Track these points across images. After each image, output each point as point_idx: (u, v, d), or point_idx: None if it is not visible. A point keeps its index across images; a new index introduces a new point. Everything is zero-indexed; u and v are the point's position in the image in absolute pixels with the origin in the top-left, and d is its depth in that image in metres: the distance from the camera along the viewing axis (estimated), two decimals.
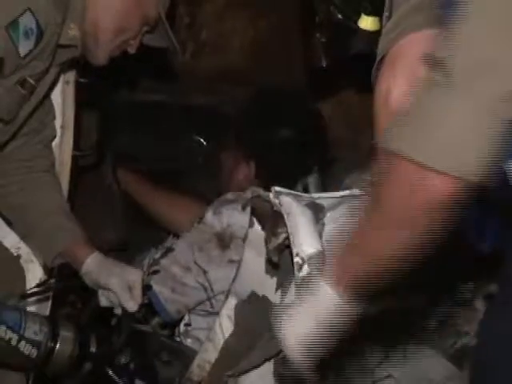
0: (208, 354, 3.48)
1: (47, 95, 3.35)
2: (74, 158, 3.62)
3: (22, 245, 3.53)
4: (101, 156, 4.16)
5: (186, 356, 3.73)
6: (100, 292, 3.32)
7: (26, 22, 2.90)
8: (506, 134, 1.91)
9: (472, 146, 1.90)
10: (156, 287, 3.84)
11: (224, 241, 3.67)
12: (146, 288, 3.69)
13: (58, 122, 3.54)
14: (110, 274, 3.29)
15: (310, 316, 2.29)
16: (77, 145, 3.65)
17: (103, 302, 3.31)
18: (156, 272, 3.86)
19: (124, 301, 3.26)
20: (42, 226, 3.37)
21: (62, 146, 3.55)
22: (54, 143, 3.53)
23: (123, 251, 4.17)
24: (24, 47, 2.92)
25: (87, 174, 4.07)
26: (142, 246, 4.30)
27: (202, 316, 3.83)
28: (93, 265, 3.30)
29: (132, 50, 3.32)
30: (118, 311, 3.30)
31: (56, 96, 3.53)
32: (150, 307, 3.89)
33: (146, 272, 3.86)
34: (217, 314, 3.69)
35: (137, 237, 4.44)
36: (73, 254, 3.32)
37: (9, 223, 3.48)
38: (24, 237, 3.45)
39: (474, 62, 1.84)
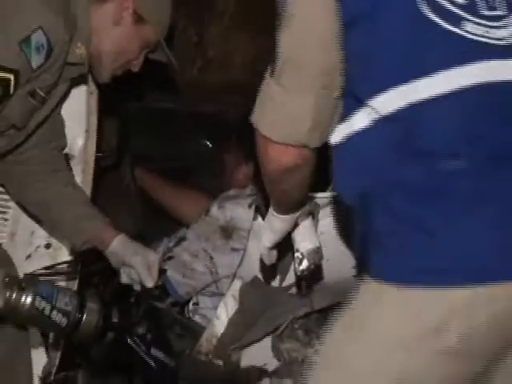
0: (215, 330, 3.55)
1: (58, 107, 3.36)
2: (97, 159, 3.65)
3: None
4: (120, 157, 4.24)
5: (195, 331, 3.81)
6: (121, 270, 3.39)
7: (38, 38, 2.92)
8: (327, 104, 2.24)
9: (300, 119, 2.21)
10: (169, 272, 3.96)
11: (227, 232, 3.77)
12: (162, 272, 3.82)
13: (82, 128, 3.58)
14: (135, 253, 3.35)
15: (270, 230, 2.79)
16: (99, 147, 3.69)
17: (124, 279, 3.38)
18: (170, 258, 3.97)
19: (144, 277, 3.32)
20: (66, 217, 3.40)
21: (87, 149, 3.58)
22: (78, 146, 3.57)
23: (140, 241, 4.22)
24: (35, 61, 2.94)
25: (108, 173, 4.13)
26: (156, 235, 4.33)
27: (209, 296, 3.94)
28: (119, 244, 3.37)
29: (135, 69, 3.34)
30: (138, 288, 3.37)
31: (81, 105, 3.58)
32: (164, 288, 4.04)
33: (161, 258, 4.00)
34: (222, 294, 3.80)
35: (152, 228, 4.53)
36: (99, 237, 3.37)
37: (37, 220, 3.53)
38: (52, 229, 3.50)
39: (282, 62, 2.19)
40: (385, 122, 2.15)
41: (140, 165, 4.59)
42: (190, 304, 3.98)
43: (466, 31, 2.09)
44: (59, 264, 3.52)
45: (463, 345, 2.09)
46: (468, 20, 2.12)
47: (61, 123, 3.44)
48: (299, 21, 2.20)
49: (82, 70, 3.27)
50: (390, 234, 2.17)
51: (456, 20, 2.12)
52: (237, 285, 3.51)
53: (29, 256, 3.49)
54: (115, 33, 3.21)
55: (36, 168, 3.36)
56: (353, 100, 2.23)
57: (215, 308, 3.83)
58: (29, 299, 2.94)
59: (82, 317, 3.04)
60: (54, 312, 2.99)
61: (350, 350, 2.25)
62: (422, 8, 2.12)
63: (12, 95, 2.95)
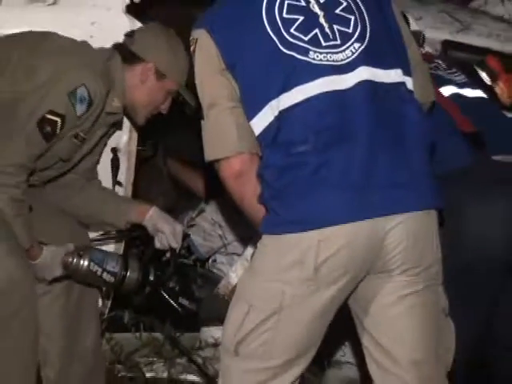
0: (231, 280, 3.64)
1: (97, 146, 3.36)
2: (138, 151, 3.66)
3: None
4: (156, 150, 4.28)
5: (213, 281, 3.88)
6: (156, 239, 3.38)
7: (81, 92, 2.99)
8: (241, 118, 2.39)
9: (228, 134, 2.37)
10: (193, 236, 4.09)
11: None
12: (186, 236, 3.88)
13: (127, 127, 3.54)
14: (165, 222, 3.38)
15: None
16: (139, 142, 3.68)
17: (157, 245, 3.37)
18: (193, 225, 4.08)
19: (171, 241, 3.35)
20: (107, 209, 3.43)
21: (130, 143, 3.57)
22: (124, 141, 3.56)
23: (170, 213, 4.23)
24: (79, 110, 3.00)
25: (146, 162, 4.17)
26: (182, 209, 4.40)
27: (223, 255, 4.06)
28: (154, 214, 3.39)
29: (164, 111, 3.36)
30: (167, 248, 3.40)
31: None
32: (189, 248, 4.10)
33: (186, 225, 4.06)
34: (231, 254, 3.98)
35: (179, 203, 4.54)
36: (138, 212, 3.41)
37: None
38: (91, 222, 3.50)
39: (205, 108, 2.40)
40: (269, 125, 2.33)
41: (171, 155, 4.64)
42: (210, 260, 4.11)
43: (313, 58, 2.30)
44: (110, 233, 3.56)
45: (317, 273, 2.26)
46: (313, 50, 2.31)
47: (99, 156, 3.48)
48: (206, 83, 2.43)
49: (117, 118, 3.32)
50: (268, 199, 2.33)
51: (304, 51, 2.31)
52: (249, 251, 3.49)
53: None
54: (143, 89, 3.24)
55: (78, 182, 3.39)
56: None
57: (229, 264, 3.94)
58: (85, 264, 3.08)
59: (125, 275, 3.15)
60: (104, 273, 3.11)
61: (248, 283, 2.44)
62: (278, 46, 2.32)
63: (58, 135, 3.01)
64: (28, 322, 2.96)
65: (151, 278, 3.24)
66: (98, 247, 3.32)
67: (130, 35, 3.26)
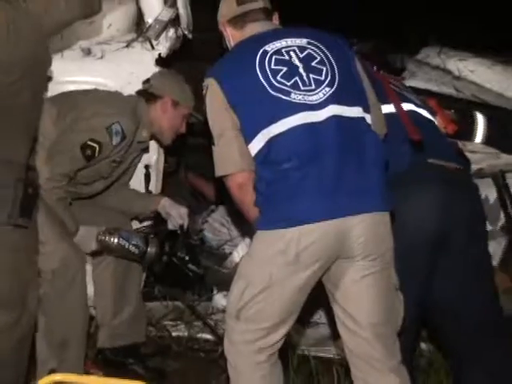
0: (234, 258, 3.73)
1: (130, 167, 3.41)
2: (164, 168, 3.65)
3: None
4: (178, 166, 4.23)
5: (216, 253, 4.02)
6: (168, 221, 3.40)
7: (116, 127, 3.05)
8: (242, 142, 2.39)
9: (233, 155, 2.39)
10: (205, 231, 4.07)
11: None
12: (200, 230, 3.88)
13: (155, 149, 3.51)
14: (173, 208, 3.40)
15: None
16: (166, 160, 3.67)
17: (170, 226, 3.40)
18: (206, 222, 4.08)
19: (178, 220, 3.37)
20: (136, 203, 3.47)
21: (158, 161, 3.56)
22: (153, 159, 3.53)
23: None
24: (114, 141, 3.06)
25: (170, 177, 4.09)
26: (198, 211, 4.32)
27: (229, 246, 4.04)
28: (165, 203, 3.41)
29: (183, 131, 3.37)
30: (178, 228, 3.40)
31: None
32: (202, 240, 4.09)
33: (200, 222, 4.06)
34: (235, 245, 3.91)
35: (196, 207, 4.42)
36: (154, 203, 3.44)
37: None
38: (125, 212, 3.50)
39: (216, 137, 2.41)
40: (262, 148, 2.34)
41: (189, 170, 4.57)
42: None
43: (293, 98, 2.33)
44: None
45: (297, 258, 2.28)
46: (294, 93, 2.34)
47: (132, 173, 3.50)
48: (215, 118, 2.46)
49: (146, 145, 3.35)
50: (261, 203, 2.34)
51: (287, 93, 2.34)
52: (248, 240, 3.58)
53: None
54: (165, 117, 3.27)
55: (114, 186, 3.41)
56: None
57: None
58: (115, 240, 3.10)
59: (147, 248, 3.14)
60: (131, 246, 3.11)
61: (246, 266, 2.44)
62: (268, 90, 2.35)
63: (97, 157, 3.04)
64: (80, 291, 2.95)
65: (167, 249, 3.22)
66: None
67: (146, 82, 3.28)
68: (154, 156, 3.53)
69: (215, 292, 3.82)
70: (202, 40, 3.68)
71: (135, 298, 3.41)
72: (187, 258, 3.27)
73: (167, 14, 3.37)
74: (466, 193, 2.74)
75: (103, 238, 3.09)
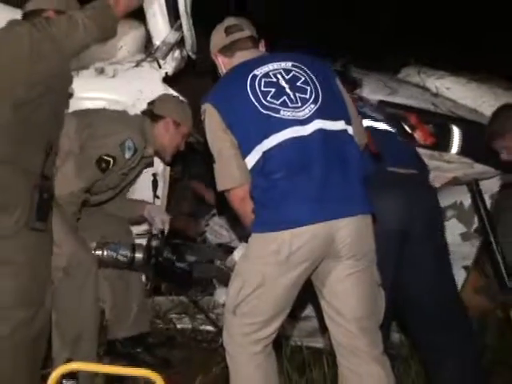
0: (234, 257, 3.48)
1: (136, 178, 3.41)
2: (171, 175, 3.65)
3: None
4: (183, 175, 4.21)
5: (201, 250, 3.94)
6: (153, 225, 3.36)
7: (129, 143, 3.07)
8: (240, 160, 2.39)
9: (233, 171, 2.40)
10: (207, 233, 4.05)
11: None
12: (203, 232, 3.86)
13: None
14: (157, 213, 3.37)
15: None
16: (172, 169, 3.66)
17: (154, 230, 3.35)
18: (207, 225, 4.07)
19: (160, 225, 3.32)
20: (127, 210, 3.45)
21: (166, 170, 3.55)
22: (161, 168, 3.52)
23: (192, 216, 4.19)
24: (127, 155, 3.08)
25: (176, 183, 4.09)
26: (200, 214, 4.33)
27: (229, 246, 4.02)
28: (150, 209, 3.38)
29: (182, 148, 3.37)
30: (160, 231, 3.34)
31: None
32: (204, 241, 4.05)
33: (204, 225, 4.04)
34: (234, 246, 3.85)
35: (198, 210, 4.44)
36: (141, 209, 3.39)
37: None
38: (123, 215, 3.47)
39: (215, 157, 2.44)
40: (257, 161, 2.35)
41: (193, 178, 4.53)
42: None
43: (283, 115, 2.35)
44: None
45: (289, 258, 2.29)
46: (283, 110, 2.36)
47: (136, 183, 3.49)
48: (214, 138, 2.47)
49: (150, 161, 3.35)
50: (256, 209, 2.36)
51: (277, 111, 2.36)
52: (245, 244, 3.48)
53: None
54: (167, 136, 3.30)
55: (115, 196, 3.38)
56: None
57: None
58: (105, 252, 3.07)
59: (134, 255, 3.11)
60: (119, 256, 3.08)
61: (242, 266, 2.44)
62: (259, 109, 2.37)
63: (111, 169, 3.04)
64: (92, 289, 2.89)
65: (153, 252, 3.18)
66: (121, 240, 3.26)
67: (151, 103, 3.29)
68: (160, 165, 3.53)
69: (217, 288, 3.82)
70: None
71: (139, 294, 3.42)
72: (174, 257, 3.23)
73: (173, 37, 3.38)
74: (422, 194, 2.81)
75: (94, 252, 3.04)
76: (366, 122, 2.80)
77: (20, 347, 2.39)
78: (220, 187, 2.47)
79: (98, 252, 3.04)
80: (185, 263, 3.26)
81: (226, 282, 3.35)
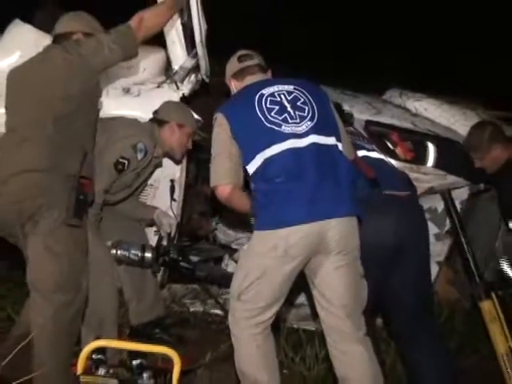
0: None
1: (145, 181, 3.31)
2: (186, 181, 3.58)
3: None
4: (197, 180, 4.16)
5: (204, 251, 3.80)
6: (161, 229, 3.30)
7: (140, 145, 3.00)
8: (234, 163, 2.43)
9: (224, 171, 2.42)
10: (217, 232, 4.02)
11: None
12: (213, 230, 3.83)
13: (179, 166, 3.45)
14: (164, 217, 3.30)
15: None
16: (187, 175, 3.59)
17: (162, 233, 3.29)
18: (218, 224, 4.03)
19: (167, 229, 3.25)
20: (139, 213, 3.35)
21: (181, 176, 3.51)
22: (178, 175, 3.45)
23: (204, 216, 4.11)
24: (139, 156, 3.01)
25: (191, 188, 3.99)
26: (212, 215, 4.17)
27: (235, 244, 3.96)
28: (158, 213, 3.32)
29: (190, 147, 3.29)
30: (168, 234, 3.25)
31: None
32: (214, 240, 3.97)
33: (215, 224, 3.93)
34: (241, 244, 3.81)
35: (210, 212, 4.23)
36: (151, 213, 3.34)
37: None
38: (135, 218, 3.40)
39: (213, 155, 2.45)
40: (258, 167, 2.37)
41: (206, 183, 4.49)
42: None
43: (283, 129, 2.39)
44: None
45: (286, 253, 2.31)
46: (284, 125, 2.39)
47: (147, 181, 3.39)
48: (218, 143, 2.49)
49: (159, 161, 3.27)
50: (258, 209, 2.38)
51: (279, 125, 2.39)
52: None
53: None
54: (173, 138, 3.19)
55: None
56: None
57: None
58: (118, 252, 3.03)
59: (144, 254, 3.06)
60: (131, 255, 3.04)
61: (245, 259, 2.46)
62: (264, 123, 2.40)
63: (126, 170, 2.99)
64: (110, 282, 2.90)
65: (162, 252, 3.11)
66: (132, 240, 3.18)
67: (156, 112, 3.23)
68: (177, 172, 3.51)
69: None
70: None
71: (154, 285, 3.37)
72: (179, 258, 3.15)
73: (190, 63, 3.36)
74: (414, 213, 2.80)
75: (110, 251, 3.01)
76: (362, 153, 2.80)
77: (61, 327, 2.43)
78: (211, 184, 2.49)
79: (113, 251, 3.00)
80: (188, 263, 3.18)
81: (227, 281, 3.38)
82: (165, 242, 3.19)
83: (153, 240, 3.38)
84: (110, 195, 3.10)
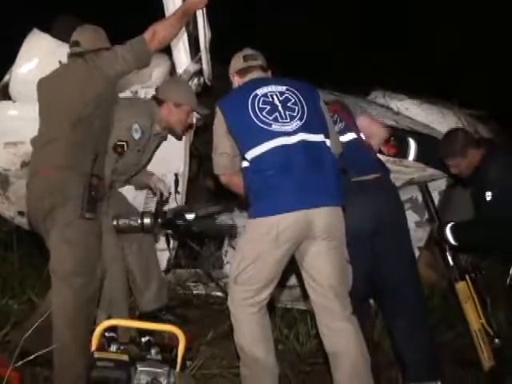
0: None
1: (152, 154, 3.23)
2: (189, 175, 3.59)
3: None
4: (198, 174, 4.16)
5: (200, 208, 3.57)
6: (157, 194, 3.21)
7: (135, 126, 2.93)
8: (232, 158, 2.48)
9: (224, 163, 2.48)
10: (218, 219, 3.98)
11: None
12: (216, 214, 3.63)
13: (182, 161, 3.47)
14: (159, 181, 3.23)
15: None
16: (190, 169, 3.60)
17: (158, 196, 3.20)
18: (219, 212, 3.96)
19: (163, 191, 3.21)
20: (139, 179, 3.25)
21: (185, 170, 3.52)
22: (181, 169, 3.46)
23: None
24: (135, 136, 2.93)
25: (193, 181, 3.99)
26: (213, 203, 4.16)
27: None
28: (154, 178, 3.24)
29: (192, 122, 3.24)
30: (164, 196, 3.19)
31: (182, 150, 3.49)
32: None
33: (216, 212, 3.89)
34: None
35: (212, 202, 4.12)
36: (149, 177, 3.25)
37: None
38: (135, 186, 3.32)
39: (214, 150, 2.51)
40: (251, 162, 2.40)
41: (208, 177, 4.40)
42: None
43: (273, 128, 2.40)
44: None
45: (277, 238, 2.34)
46: (274, 124, 2.41)
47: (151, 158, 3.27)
48: (218, 138, 2.52)
49: (162, 136, 3.19)
50: (251, 199, 2.41)
51: (269, 124, 2.41)
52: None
53: None
54: (172, 116, 3.10)
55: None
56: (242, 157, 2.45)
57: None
58: (120, 221, 2.95)
59: (143, 220, 3.00)
60: (131, 221, 2.98)
61: (241, 244, 2.50)
62: (256, 122, 2.42)
63: (126, 151, 2.92)
64: (119, 268, 2.90)
65: (159, 215, 3.06)
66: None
67: (156, 89, 3.17)
68: (181, 167, 3.51)
69: (226, 262, 3.79)
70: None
71: (158, 274, 3.31)
72: (174, 217, 3.10)
73: (193, 67, 3.33)
74: (385, 194, 2.81)
75: (112, 222, 2.96)
76: None
77: (79, 307, 2.49)
78: (215, 172, 2.55)
79: (114, 222, 2.94)
80: (184, 220, 3.11)
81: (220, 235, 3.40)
82: (159, 208, 3.15)
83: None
84: (121, 175, 3.06)
